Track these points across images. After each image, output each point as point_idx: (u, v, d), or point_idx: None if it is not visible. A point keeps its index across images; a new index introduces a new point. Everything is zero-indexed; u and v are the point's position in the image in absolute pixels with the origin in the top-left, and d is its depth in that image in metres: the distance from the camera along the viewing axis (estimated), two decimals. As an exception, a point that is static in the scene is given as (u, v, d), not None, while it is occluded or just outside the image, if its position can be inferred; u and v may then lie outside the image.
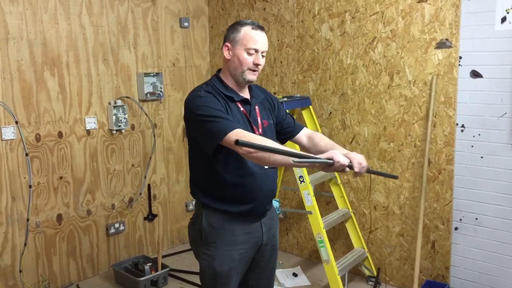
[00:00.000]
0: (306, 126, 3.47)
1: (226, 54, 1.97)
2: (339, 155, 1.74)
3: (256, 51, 1.94)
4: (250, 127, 1.98)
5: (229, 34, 1.97)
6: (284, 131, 2.18)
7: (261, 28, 1.97)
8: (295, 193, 3.85)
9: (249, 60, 1.93)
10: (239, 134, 1.79)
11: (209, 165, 1.94)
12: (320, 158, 1.72)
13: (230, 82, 2.00)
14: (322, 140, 2.11)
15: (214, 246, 1.98)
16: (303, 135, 2.18)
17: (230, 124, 1.83)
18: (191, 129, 1.97)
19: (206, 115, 1.85)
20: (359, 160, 1.80)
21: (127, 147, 3.75)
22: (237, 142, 1.58)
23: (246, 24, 1.96)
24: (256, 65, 1.95)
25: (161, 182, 4.05)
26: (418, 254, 3.04)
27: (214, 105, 1.88)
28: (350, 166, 1.76)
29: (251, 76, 1.97)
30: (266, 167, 1.98)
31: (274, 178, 2.08)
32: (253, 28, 1.94)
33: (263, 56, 1.97)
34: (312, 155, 1.76)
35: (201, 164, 2.00)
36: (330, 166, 1.73)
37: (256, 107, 2.06)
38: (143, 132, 3.86)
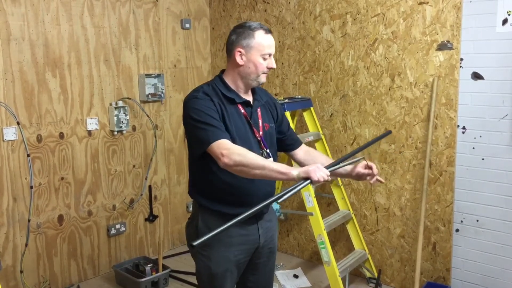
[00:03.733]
0: (308, 128, 3.51)
1: (238, 60, 1.95)
2: (316, 172, 1.73)
3: (270, 55, 1.97)
4: (250, 129, 1.99)
5: (241, 39, 1.95)
6: (287, 146, 2.21)
7: (271, 31, 2.01)
8: (296, 194, 3.85)
9: (264, 65, 1.96)
10: (222, 144, 1.80)
11: (207, 166, 1.94)
12: (300, 185, 1.72)
13: (234, 85, 2.00)
14: (322, 156, 2.16)
15: (210, 247, 1.99)
16: (301, 150, 2.22)
17: (216, 133, 1.83)
18: (186, 131, 1.99)
19: (198, 120, 1.86)
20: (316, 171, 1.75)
21: (128, 148, 3.75)
22: (192, 246, 1.55)
23: (256, 28, 1.95)
24: (270, 68, 1.99)
25: (162, 183, 4.05)
26: (419, 256, 3.03)
27: (207, 110, 1.88)
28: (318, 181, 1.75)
29: (265, 79, 2.01)
30: None
31: (272, 181, 2.07)
32: (266, 33, 1.96)
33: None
34: (292, 187, 1.73)
35: (198, 165, 2.00)
36: (311, 183, 1.75)
37: (258, 109, 2.06)
38: (144, 133, 3.86)
